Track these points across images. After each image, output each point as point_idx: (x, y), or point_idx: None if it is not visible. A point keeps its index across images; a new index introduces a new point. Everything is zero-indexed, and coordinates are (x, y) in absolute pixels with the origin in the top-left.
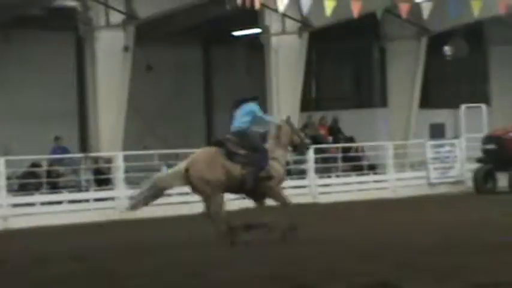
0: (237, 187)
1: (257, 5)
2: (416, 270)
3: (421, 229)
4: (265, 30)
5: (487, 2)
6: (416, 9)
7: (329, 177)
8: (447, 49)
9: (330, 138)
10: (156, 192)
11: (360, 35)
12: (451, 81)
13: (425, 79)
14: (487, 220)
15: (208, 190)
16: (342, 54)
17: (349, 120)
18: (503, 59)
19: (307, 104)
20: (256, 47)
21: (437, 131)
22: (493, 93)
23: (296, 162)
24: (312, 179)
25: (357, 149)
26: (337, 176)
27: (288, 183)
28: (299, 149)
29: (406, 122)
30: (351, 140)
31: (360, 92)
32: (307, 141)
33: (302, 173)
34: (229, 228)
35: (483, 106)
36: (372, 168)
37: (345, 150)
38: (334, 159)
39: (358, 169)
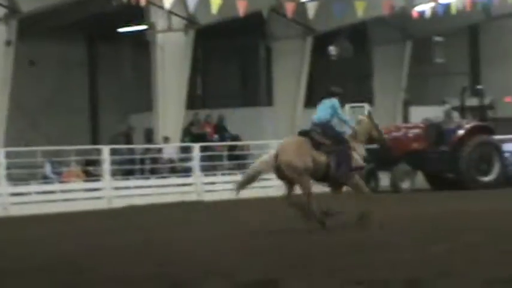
0: (322, 175)
1: (143, 2)
2: (301, 268)
3: (305, 226)
4: (151, 27)
5: (371, 3)
6: (301, 9)
7: (214, 175)
8: (332, 49)
9: (216, 136)
10: (251, 178)
11: (246, 33)
12: (336, 81)
13: (310, 78)
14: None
15: (295, 176)
16: (228, 52)
17: (235, 118)
18: (386, 58)
19: (193, 101)
20: (142, 44)
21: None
22: (376, 93)
23: (181, 160)
24: (197, 177)
25: (242, 148)
26: (223, 174)
27: (173, 180)
28: (377, 143)
29: (292, 121)
30: (236, 138)
31: (246, 90)
32: (385, 136)
33: (187, 171)
34: (320, 212)
35: (366, 105)
36: None
37: (231, 148)
38: (220, 158)
39: (244, 167)
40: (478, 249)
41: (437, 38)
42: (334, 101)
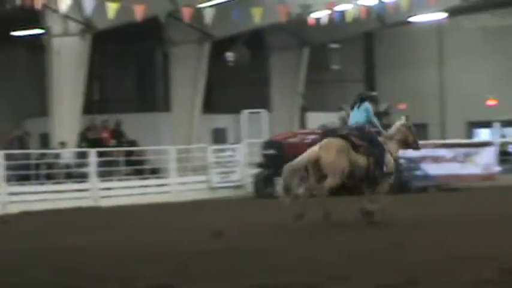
0: (361, 176)
1: (38, 5)
2: (195, 273)
3: (201, 233)
4: (47, 31)
5: (268, 9)
6: (199, 14)
7: (111, 180)
8: (229, 55)
9: (113, 142)
10: (293, 177)
11: (143, 38)
12: (233, 87)
13: (208, 84)
14: (265, 223)
15: (331, 174)
16: (125, 57)
17: (132, 123)
18: (283, 65)
19: (90, 106)
20: (38, 48)
21: (219, 136)
22: (273, 99)
23: (78, 165)
24: (94, 182)
25: (139, 153)
26: (120, 180)
27: (69, 186)
28: (412, 148)
29: (189, 127)
30: (133, 143)
31: (143, 95)
32: (419, 141)
33: (84, 176)
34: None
35: (264, 111)
36: (155, 172)
37: (128, 153)
38: (117, 163)
39: (141, 173)
40: (372, 254)
41: (333, 45)
42: (367, 105)
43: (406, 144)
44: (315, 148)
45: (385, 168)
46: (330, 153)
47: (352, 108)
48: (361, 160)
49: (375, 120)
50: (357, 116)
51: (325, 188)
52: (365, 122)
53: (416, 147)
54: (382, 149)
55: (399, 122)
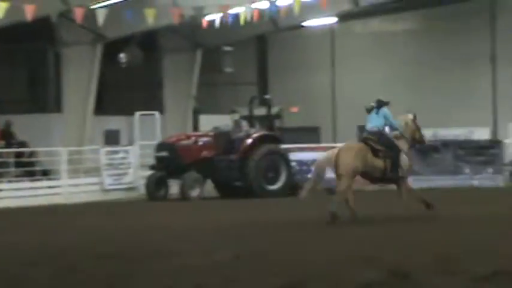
0: (379, 177)
1: None
2: (84, 276)
3: (92, 235)
4: None
5: (161, 11)
6: (91, 15)
7: (1, 182)
8: (122, 56)
9: (2, 143)
10: (319, 176)
11: (35, 38)
12: (126, 88)
13: (100, 86)
14: (157, 226)
15: (346, 174)
16: (16, 57)
17: (22, 124)
18: (176, 67)
19: None
20: None
21: (112, 138)
22: (166, 101)
23: None
24: None
25: (30, 154)
26: (9, 182)
27: None
28: (418, 143)
29: (81, 128)
30: (24, 144)
31: (34, 96)
32: (425, 138)
33: None
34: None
35: (157, 113)
36: (46, 174)
37: (18, 155)
38: (6, 164)
39: (32, 174)
40: (264, 256)
41: (227, 48)
42: (386, 110)
43: (413, 140)
44: (335, 149)
45: (400, 172)
46: (347, 153)
47: (369, 112)
48: (379, 163)
49: (394, 122)
50: (375, 121)
51: (339, 193)
52: (383, 126)
53: (423, 142)
54: (398, 153)
55: (409, 118)
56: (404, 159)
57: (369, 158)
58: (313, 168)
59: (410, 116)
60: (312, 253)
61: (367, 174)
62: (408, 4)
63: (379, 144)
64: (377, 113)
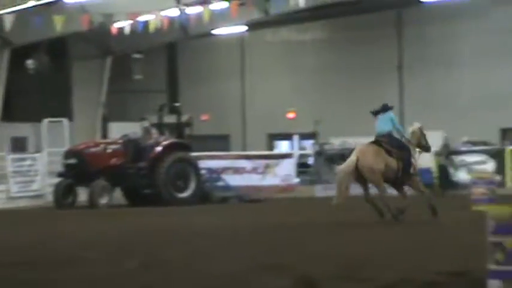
0: (393, 178)
1: None
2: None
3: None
4: None
5: (70, 17)
6: None
7: None
8: (30, 62)
9: None
10: (346, 182)
11: None
12: (34, 95)
13: (7, 92)
14: (65, 234)
15: (373, 178)
16: None
17: None
18: (86, 74)
19: None
20: None
21: (19, 145)
22: (75, 108)
23: None
24: None
25: None
26: None
27: None
28: (423, 149)
29: None
30: None
31: None
32: (430, 145)
33: None
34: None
35: (65, 120)
36: None
37: None
38: None
39: None
40: (172, 265)
41: (136, 55)
42: (392, 114)
43: (419, 146)
44: (352, 156)
45: (411, 170)
46: (366, 157)
47: (374, 115)
48: (394, 163)
49: (400, 127)
50: (383, 124)
51: (382, 198)
52: (390, 130)
53: (429, 148)
54: (409, 152)
55: (416, 127)
56: (414, 161)
57: (387, 159)
58: (336, 178)
59: (418, 125)
60: (222, 261)
61: (385, 175)
62: (316, 14)
63: (390, 145)
64: (383, 117)
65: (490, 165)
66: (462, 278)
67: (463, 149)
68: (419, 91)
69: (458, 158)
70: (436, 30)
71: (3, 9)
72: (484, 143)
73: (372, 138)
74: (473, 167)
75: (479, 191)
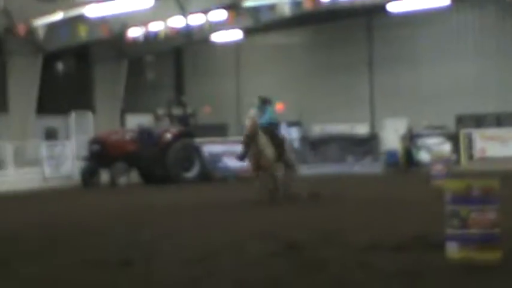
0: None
1: None
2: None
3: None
4: None
5: (93, 27)
6: (33, 30)
7: None
8: (59, 65)
9: None
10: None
11: None
12: (63, 92)
13: (41, 90)
14: (90, 209)
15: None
16: None
17: None
18: (106, 74)
19: None
20: None
21: (51, 133)
22: (97, 102)
23: None
24: None
25: None
26: None
27: None
28: None
29: (24, 126)
30: None
31: None
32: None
33: None
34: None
35: (89, 113)
36: None
37: None
38: None
39: None
40: (180, 235)
41: (149, 57)
42: (269, 107)
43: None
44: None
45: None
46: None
47: (259, 108)
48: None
49: (274, 117)
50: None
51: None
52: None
53: None
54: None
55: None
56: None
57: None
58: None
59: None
60: (221, 231)
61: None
62: (300, 21)
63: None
64: (263, 110)
65: (447, 147)
66: (424, 241)
67: (424, 132)
68: (387, 84)
69: (420, 141)
70: (400, 33)
71: (37, 21)
72: (442, 128)
73: (346, 125)
74: (433, 148)
75: (438, 168)
